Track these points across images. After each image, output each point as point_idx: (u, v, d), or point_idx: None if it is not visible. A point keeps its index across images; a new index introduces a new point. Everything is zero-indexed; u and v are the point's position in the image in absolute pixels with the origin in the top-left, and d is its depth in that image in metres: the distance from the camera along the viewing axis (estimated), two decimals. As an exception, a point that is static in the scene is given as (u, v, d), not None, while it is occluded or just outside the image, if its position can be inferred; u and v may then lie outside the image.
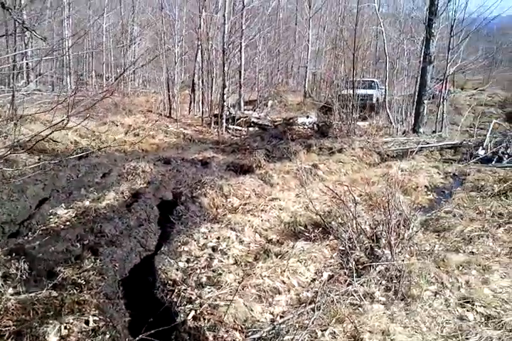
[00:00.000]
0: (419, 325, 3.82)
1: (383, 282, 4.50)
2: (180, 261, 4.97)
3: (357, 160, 10.94)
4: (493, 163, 10.40)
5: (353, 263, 4.84)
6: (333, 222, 5.88)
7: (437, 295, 4.32)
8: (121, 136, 12.82)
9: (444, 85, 15.77)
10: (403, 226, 5.28)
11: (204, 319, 3.86)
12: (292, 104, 22.63)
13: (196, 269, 4.75)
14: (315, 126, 16.05)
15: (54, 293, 4.15)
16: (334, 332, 3.68)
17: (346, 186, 6.89)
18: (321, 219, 5.93)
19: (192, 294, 4.23)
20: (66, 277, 4.48)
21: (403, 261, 4.75)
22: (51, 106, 4.04)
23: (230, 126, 16.11)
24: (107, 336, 3.64)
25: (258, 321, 3.92)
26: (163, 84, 19.35)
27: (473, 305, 4.17)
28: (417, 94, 15.45)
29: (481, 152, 11.11)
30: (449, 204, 7.38)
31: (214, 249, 5.31)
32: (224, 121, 15.84)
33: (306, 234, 5.81)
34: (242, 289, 4.27)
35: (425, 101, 14.72)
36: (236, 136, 15.38)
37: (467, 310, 4.11)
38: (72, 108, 3.85)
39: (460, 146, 12.09)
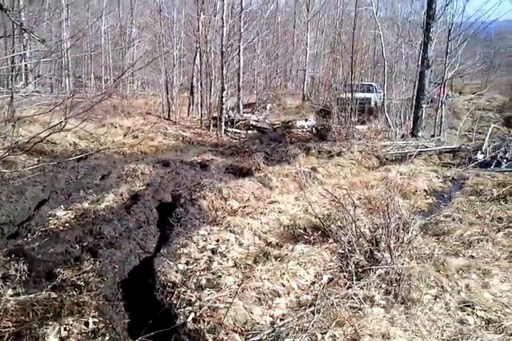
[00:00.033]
0: (419, 329, 3.82)
1: (383, 285, 4.49)
2: (179, 263, 4.96)
3: (356, 163, 10.95)
4: (492, 167, 10.41)
5: (353, 266, 4.83)
6: (332, 225, 5.87)
7: (437, 299, 4.31)
8: (120, 138, 12.81)
9: (442, 89, 15.82)
10: (402, 229, 5.27)
11: (204, 321, 3.85)
12: (291, 107, 22.65)
13: (196, 271, 4.73)
14: (314, 129, 16.06)
15: (53, 295, 4.13)
16: (334, 335, 3.68)
17: (345, 189, 6.91)
18: (321, 222, 5.93)
19: (191, 296, 4.22)
20: (65, 278, 4.46)
21: (403, 264, 4.73)
22: (49, 108, 4.04)
23: (229, 129, 16.11)
24: (107, 338, 3.63)
25: (258, 324, 3.91)
26: (161, 86, 19.37)
27: (473, 309, 4.16)
28: (415, 98, 15.49)
29: (480, 156, 11.13)
30: (448, 208, 7.39)
31: (213, 251, 5.31)
32: (223, 123, 15.85)
33: (306, 237, 5.81)
34: (242, 292, 4.26)
35: (423, 106, 14.75)
36: (235, 139, 15.39)
37: (467, 314, 4.11)
38: (70, 110, 3.85)
39: (459, 150, 12.11)
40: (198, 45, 18.01)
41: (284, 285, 4.51)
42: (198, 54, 18.37)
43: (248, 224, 6.20)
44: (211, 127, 16.18)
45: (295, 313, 4.03)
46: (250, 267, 4.93)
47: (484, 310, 4.15)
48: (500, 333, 3.83)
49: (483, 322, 4.00)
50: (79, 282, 4.40)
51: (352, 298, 4.22)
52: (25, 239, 5.62)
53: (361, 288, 4.42)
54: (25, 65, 16.85)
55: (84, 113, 4.60)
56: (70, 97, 3.93)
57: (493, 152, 11.22)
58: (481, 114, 19.50)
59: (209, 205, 7.14)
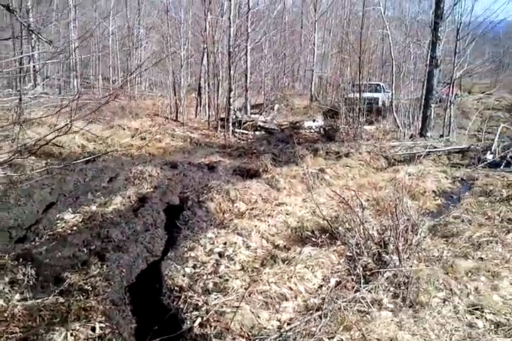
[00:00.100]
0: (427, 333, 3.78)
1: (391, 288, 4.46)
2: (186, 266, 4.95)
3: (364, 164, 10.90)
4: (502, 167, 10.30)
5: (361, 269, 4.81)
6: (340, 228, 5.85)
7: (446, 302, 4.27)
8: (128, 140, 12.84)
9: (451, 89, 15.68)
10: (411, 231, 5.24)
11: (210, 326, 3.83)
12: (299, 107, 22.64)
13: (203, 275, 4.72)
14: (321, 129, 16.03)
15: (61, 299, 4.15)
16: (342, 340, 3.65)
17: (353, 191, 6.85)
18: (328, 224, 5.90)
19: (198, 300, 4.21)
20: (73, 283, 4.48)
21: (411, 267, 4.70)
22: (57, 110, 4.05)
23: (237, 130, 16.11)
24: (114, 343, 3.64)
25: (265, 328, 3.89)
26: (169, 87, 19.41)
27: (482, 312, 4.13)
28: (423, 97, 15.38)
29: (489, 156, 11.03)
30: (457, 209, 7.32)
31: (221, 254, 5.29)
32: (230, 124, 15.85)
33: (313, 239, 5.78)
34: (249, 295, 4.24)
35: (432, 105, 14.62)
36: (243, 140, 15.38)
37: (476, 317, 4.07)
38: (76, 112, 3.85)
39: (468, 151, 12.00)
40: (205, 46, 18.03)
41: (291, 289, 4.49)
42: (205, 54, 18.39)
43: (255, 226, 6.19)
44: (219, 128, 16.18)
45: (302, 317, 4.01)
46: (257, 270, 4.91)
47: (493, 313, 4.11)
48: (510, 337, 3.79)
49: (493, 326, 3.96)
50: (86, 286, 4.41)
51: (360, 302, 4.19)
52: (33, 242, 5.64)
53: (369, 291, 4.39)
54: (34, 66, 16.97)
55: (91, 114, 4.60)
56: (75, 99, 3.92)
57: (502, 152, 11.11)
58: (491, 113, 19.32)
59: (216, 207, 7.13)
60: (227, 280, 4.60)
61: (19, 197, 6.86)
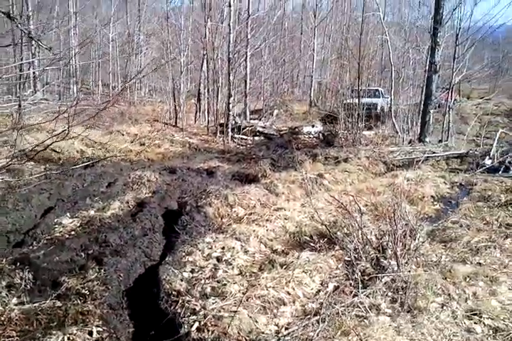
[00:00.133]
0: (425, 338, 3.77)
1: (389, 293, 4.44)
2: (184, 271, 4.94)
3: (363, 169, 10.90)
4: (500, 172, 10.32)
5: (359, 274, 4.79)
6: (338, 232, 5.84)
7: (444, 307, 4.26)
8: (127, 145, 12.86)
9: (449, 94, 15.73)
10: (409, 236, 5.22)
11: (208, 330, 3.82)
12: (298, 113, 22.68)
13: (201, 279, 4.71)
14: (321, 135, 16.07)
15: (58, 303, 4.14)
16: (340, 345, 3.64)
17: (352, 196, 6.84)
18: (327, 229, 5.89)
19: (196, 305, 4.20)
20: (70, 287, 4.47)
21: (409, 272, 4.69)
22: (55, 116, 4.07)
23: (236, 136, 16.14)
24: (111, 347, 3.62)
25: (263, 333, 3.87)
26: (169, 93, 19.47)
27: (480, 317, 4.10)
28: (422, 103, 15.42)
29: (488, 161, 11.04)
30: (455, 214, 7.31)
31: (219, 259, 5.29)
32: (230, 130, 15.88)
33: (312, 244, 5.76)
34: (247, 300, 4.23)
35: (431, 111, 14.66)
36: (242, 145, 15.40)
37: (475, 323, 4.05)
38: (75, 118, 3.87)
39: (466, 156, 12.01)
40: (205, 52, 18.09)
41: (289, 294, 4.47)
42: (205, 61, 18.45)
43: (254, 231, 6.18)
44: (218, 134, 16.21)
45: (300, 322, 3.99)
46: (255, 275, 4.89)
47: (492, 319, 4.09)
48: (508, 342, 3.78)
49: (491, 331, 3.94)
50: (83, 290, 4.39)
51: (358, 307, 4.18)
52: (31, 247, 5.62)
53: (367, 296, 4.37)
54: (34, 73, 17.02)
55: (89, 120, 4.62)
56: (74, 106, 3.94)
57: (501, 157, 11.12)
58: (489, 118, 19.33)
59: (215, 212, 7.13)
60: (225, 284, 4.59)
61: (17, 202, 6.86)
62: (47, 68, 8.90)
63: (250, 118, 18.94)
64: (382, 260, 5.02)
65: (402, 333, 3.80)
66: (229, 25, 16.82)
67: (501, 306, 4.32)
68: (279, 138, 16.38)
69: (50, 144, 4.08)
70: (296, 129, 16.87)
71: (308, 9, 30.30)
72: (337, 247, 5.49)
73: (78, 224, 6.45)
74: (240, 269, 5.06)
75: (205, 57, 18.17)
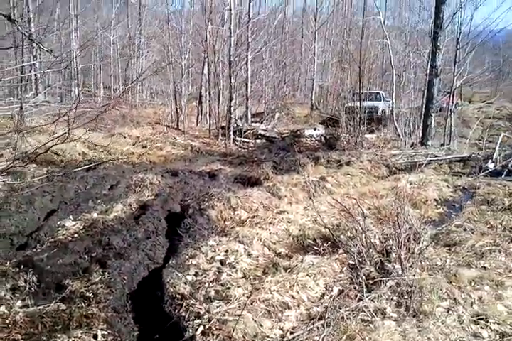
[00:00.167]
0: (431, 343, 3.75)
1: (394, 297, 4.42)
2: (188, 274, 4.92)
3: (365, 172, 10.88)
4: (503, 176, 10.31)
5: (363, 277, 4.77)
6: (342, 236, 5.82)
7: (450, 312, 4.23)
8: (129, 148, 12.86)
9: (451, 98, 15.73)
10: (413, 240, 5.20)
11: (213, 334, 3.80)
12: (299, 116, 22.69)
13: (204, 283, 4.69)
14: (322, 138, 16.07)
15: (62, 306, 4.12)
16: (345, 349, 3.62)
17: (355, 199, 6.82)
18: (330, 232, 5.86)
19: (200, 308, 4.18)
20: (74, 290, 4.45)
21: (414, 276, 4.67)
22: (56, 118, 4.07)
23: (238, 138, 16.13)
24: (115, 351, 3.61)
25: (267, 337, 3.85)
26: (170, 96, 19.47)
27: (487, 321, 4.08)
28: (424, 106, 15.42)
29: (491, 165, 11.04)
30: (459, 218, 7.29)
31: (222, 262, 5.27)
32: (231, 133, 15.88)
33: (315, 247, 5.74)
34: (251, 304, 4.21)
35: (433, 114, 14.65)
36: (243, 148, 15.40)
37: (481, 327, 4.03)
38: (75, 121, 3.87)
39: (469, 159, 11.99)
40: (206, 55, 18.10)
41: (293, 297, 4.46)
42: (206, 64, 18.46)
43: (257, 234, 6.16)
44: (220, 136, 16.21)
45: (305, 326, 3.97)
46: (259, 278, 4.87)
47: (498, 323, 4.06)
48: (515, 347, 3.75)
49: (498, 336, 3.92)
50: (88, 293, 4.38)
51: (363, 311, 4.16)
52: (34, 249, 5.62)
53: (372, 300, 4.35)
54: (35, 75, 17.04)
55: (90, 122, 4.62)
56: (73, 109, 3.94)
57: (503, 161, 11.12)
58: (491, 122, 19.37)
59: (218, 215, 7.11)
60: (228, 288, 4.57)
61: (20, 205, 6.85)
62: (48, 71, 8.89)
63: (252, 121, 18.95)
64: (386, 264, 5.00)
65: (408, 338, 3.78)
66: (230, 28, 16.85)
67: (507, 311, 4.30)
68: (281, 141, 16.38)
69: (51, 147, 4.08)
70: (298, 132, 16.87)
71: (309, 13, 30.32)
72: (341, 251, 5.47)
73: (81, 227, 6.44)
74: (243, 272, 5.04)
75: (206, 60, 18.19)
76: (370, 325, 3.97)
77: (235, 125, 16.56)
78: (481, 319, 4.11)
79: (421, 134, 15.16)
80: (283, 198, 8.37)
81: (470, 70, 17.62)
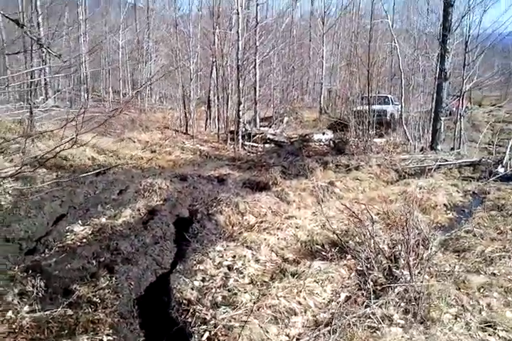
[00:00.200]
0: (439, 350, 3.72)
1: (402, 304, 4.39)
2: (195, 280, 4.92)
3: (374, 177, 10.84)
4: (513, 181, 10.23)
5: (371, 284, 4.75)
6: (350, 241, 5.80)
7: (458, 319, 4.20)
8: (138, 153, 12.91)
9: (460, 102, 15.66)
10: (422, 246, 5.17)
11: (218, 340, 3.80)
12: (308, 120, 22.69)
13: (211, 288, 4.69)
14: (331, 142, 16.03)
15: (69, 312, 4.15)
16: (352, 356, 3.60)
17: (363, 204, 6.79)
18: (338, 238, 5.85)
19: (207, 314, 4.18)
20: (81, 295, 4.47)
21: (422, 282, 4.63)
22: (64, 123, 4.10)
23: (246, 143, 16.15)
24: (121, 357, 3.61)
25: (273, 343, 3.84)
26: (179, 100, 19.54)
27: (495, 329, 4.04)
28: (433, 110, 15.35)
29: (501, 170, 10.94)
30: (468, 223, 7.23)
31: (229, 267, 5.26)
32: (240, 137, 15.91)
33: (323, 253, 5.72)
34: (258, 310, 4.20)
35: (442, 118, 14.57)
36: (252, 153, 15.41)
37: (489, 335, 3.98)
38: (83, 125, 3.88)
39: (479, 164, 11.89)
40: (214, 59, 18.17)
41: (300, 303, 4.44)
42: (214, 68, 18.51)
43: (265, 239, 6.15)
44: (228, 141, 16.24)
45: (311, 332, 3.96)
46: (266, 284, 4.86)
47: (506, 331, 4.02)
48: (523, 355, 3.71)
49: (506, 343, 3.89)
50: (95, 299, 4.40)
51: (370, 317, 4.13)
52: (43, 254, 5.65)
53: (379, 306, 4.32)
54: (45, 80, 17.16)
55: (98, 127, 4.64)
56: (82, 113, 3.96)
57: (514, 165, 11.03)
58: (501, 126, 19.22)
59: (226, 220, 7.11)
60: (235, 293, 4.57)
61: (29, 209, 6.91)
62: (56, 75, 8.95)
63: (260, 126, 18.98)
64: (394, 270, 4.97)
65: (415, 345, 3.75)
66: (237, 32, 16.87)
67: (516, 318, 4.25)
68: (290, 145, 16.37)
69: (59, 152, 4.09)
70: (307, 137, 16.85)
71: (317, 16, 30.34)
72: (349, 256, 5.45)
73: (90, 232, 6.47)
74: (251, 278, 5.03)
75: (215, 64, 18.24)
76: (377, 331, 3.95)
77: (244, 129, 16.59)
78: (489, 326, 4.07)
79: (430, 138, 15.08)
80: (291, 203, 8.35)
81: (479, 73, 17.55)
